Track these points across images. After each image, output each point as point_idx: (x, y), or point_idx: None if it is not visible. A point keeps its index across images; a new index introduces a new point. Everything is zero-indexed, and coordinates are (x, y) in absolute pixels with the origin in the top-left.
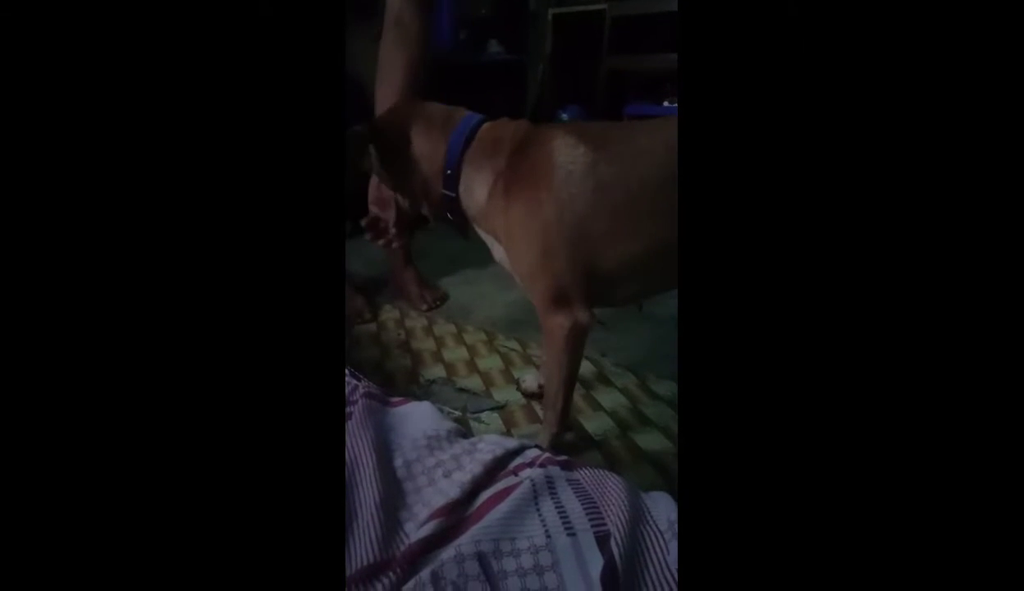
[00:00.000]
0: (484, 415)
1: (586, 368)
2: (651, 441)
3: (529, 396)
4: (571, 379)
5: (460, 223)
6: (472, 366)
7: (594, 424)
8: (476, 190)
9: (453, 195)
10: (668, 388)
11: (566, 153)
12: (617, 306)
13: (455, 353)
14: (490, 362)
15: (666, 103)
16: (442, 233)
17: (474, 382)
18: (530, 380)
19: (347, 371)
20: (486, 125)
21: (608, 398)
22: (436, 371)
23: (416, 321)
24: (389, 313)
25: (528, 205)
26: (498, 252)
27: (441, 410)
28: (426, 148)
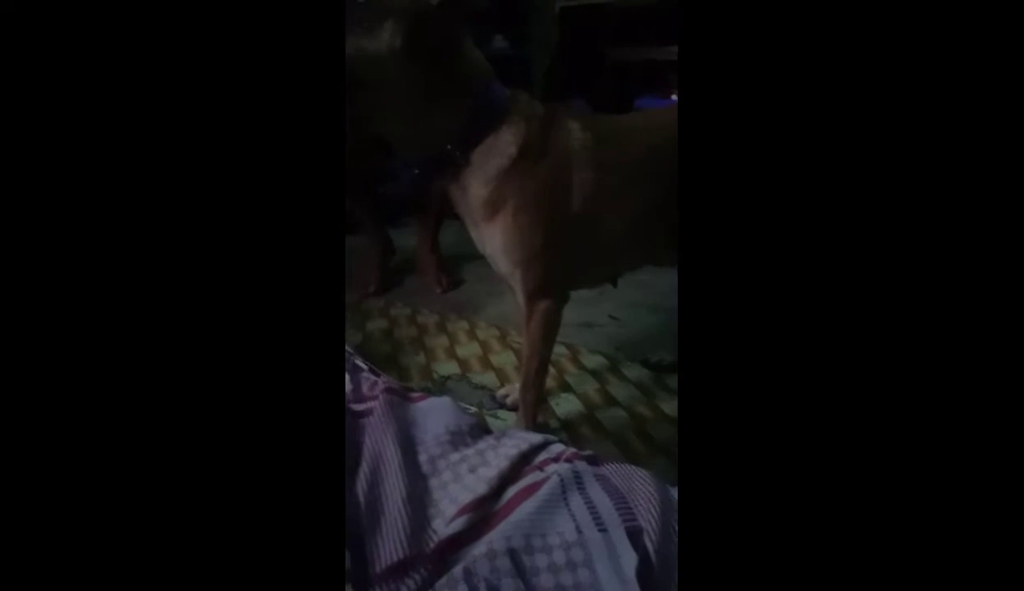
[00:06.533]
0: (500, 412)
1: (599, 362)
2: (664, 433)
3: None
4: (547, 362)
5: (422, 182)
6: (486, 362)
7: (607, 416)
8: (487, 166)
9: (459, 154)
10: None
11: (578, 145)
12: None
13: (468, 349)
14: (503, 358)
15: (673, 97)
16: (451, 231)
17: (488, 378)
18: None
19: (367, 366)
20: (510, 102)
21: (622, 392)
22: (449, 367)
23: (428, 318)
24: (401, 310)
25: (539, 193)
26: (479, 232)
27: (461, 405)
28: (454, 86)
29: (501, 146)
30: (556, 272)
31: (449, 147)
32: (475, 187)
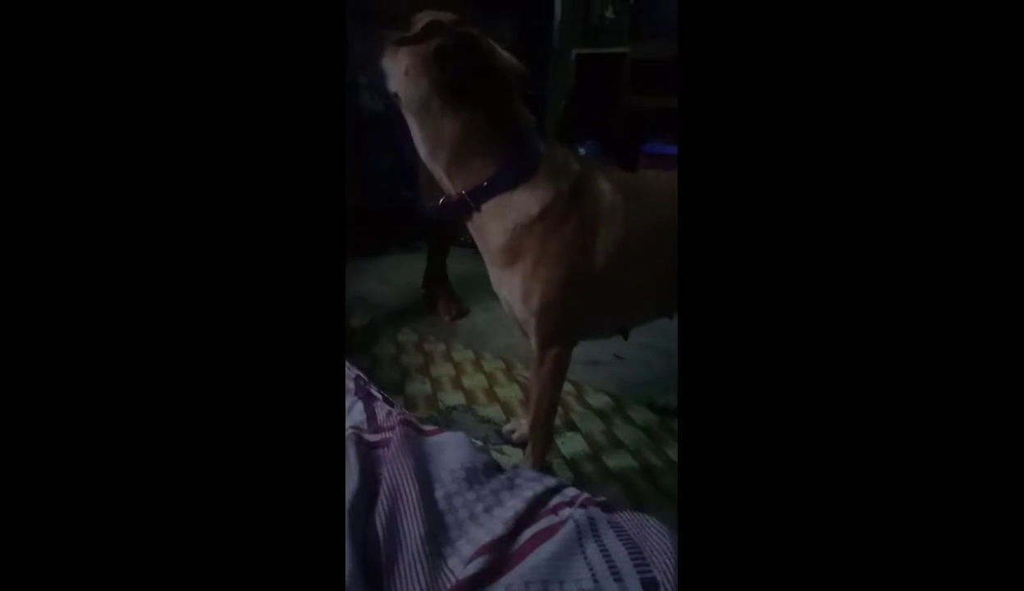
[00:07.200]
0: (505, 447)
1: (604, 401)
2: (672, 481)
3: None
4: (557, 404)
5: (439, 214)
6: (491, 394)
7: (613, 460)
8: (504, 219)
9: (473, 206)
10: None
11: (607, 206)
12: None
13: (474, 380)
14: (509, 391)
15: None
16: (460, 259)
17: (493, 411)
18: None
19: (381, 395)
20: (542, 161)
21: (628, 434)
22: (455, 398)
23: (435, 345)
24: (408, 336)
25: (561, 249)
26: (496, 273)
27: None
28: (486, 135)
29: (520, 204)
30: (571, 322)
31: (464, 192)
32: (491, 234)
